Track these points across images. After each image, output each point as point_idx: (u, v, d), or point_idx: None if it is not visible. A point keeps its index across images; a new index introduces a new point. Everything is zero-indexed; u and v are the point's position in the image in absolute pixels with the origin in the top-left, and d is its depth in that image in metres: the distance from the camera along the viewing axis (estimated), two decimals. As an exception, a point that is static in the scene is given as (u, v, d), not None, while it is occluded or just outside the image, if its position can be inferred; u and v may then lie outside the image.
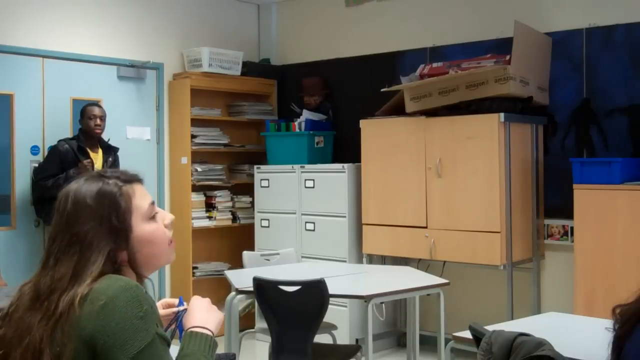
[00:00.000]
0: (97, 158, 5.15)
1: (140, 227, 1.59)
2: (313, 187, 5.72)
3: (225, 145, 6.33)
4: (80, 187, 1.59)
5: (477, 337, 2.39)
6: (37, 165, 5.22)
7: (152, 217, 1.63)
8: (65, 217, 1.56)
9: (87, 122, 5.15)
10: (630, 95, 4.74)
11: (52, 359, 1.46)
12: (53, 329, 1.47)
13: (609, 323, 1.82)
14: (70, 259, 1.52)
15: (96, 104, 5.33)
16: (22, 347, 1.48)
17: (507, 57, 4.81)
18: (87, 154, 5.07)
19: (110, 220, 1.55)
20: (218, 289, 6.12)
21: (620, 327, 1.75)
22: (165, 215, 1.67)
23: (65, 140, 5.14)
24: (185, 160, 6.01)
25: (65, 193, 1.59)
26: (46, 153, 5.26)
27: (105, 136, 5.28)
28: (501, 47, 5.11)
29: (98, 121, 5.16)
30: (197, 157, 6.15)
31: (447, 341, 3.03)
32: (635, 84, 4.72)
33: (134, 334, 1.45)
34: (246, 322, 5.35)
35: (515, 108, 4.86)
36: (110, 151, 5.26)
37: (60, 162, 5.00)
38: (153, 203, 1.65)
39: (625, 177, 4.46)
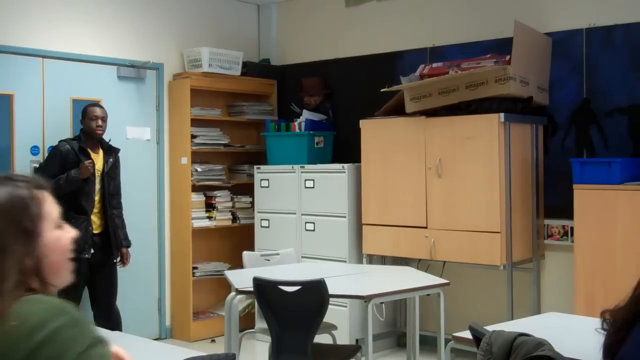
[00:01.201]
0: (98, 159, 5.15)
1: (49, 233, 1.52)
2: (313, 187, 5.72)
3: (225, 145, 6.33)
4: None
5: (477, 337, 2.39)
6: (37, 165, 5.22)
7: (59, 227, 1.57)
8: None
9: (89, 122, 5.14)
10: (630, 95, 4.74)
11: None
12: None
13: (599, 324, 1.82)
14: None
15: (97, 104, 5.32)
16: None
17: (507, 57, 4.81)
18: (88, 155, 5.06)
19: (22, 222, 1.47)
20: (218, 289, 6.14)
21: (613, 334, 1.74)
22: (70, 229, 1.60)
23: (66, 140, 5.13)
24: (185, 160, 6.01)
25: None
26: (47, 153, 5.25)
27: (105, 137, 5.28)
28: (501, 47, 5.11)
29: (100, 122, 5.15)
30: (197, 157, 6.15)
31: (447, 341, 3.03)
32: (635, 84, 4.73)
33: (72, 341, 1.39)
34: (246, 322, 5.35)
35: (515, 108, 4.86)
36: (111, 152, 5.25)
37: (61, 162, 4.99)
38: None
39: (625, 177, 4.46)
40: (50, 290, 1.51)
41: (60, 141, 5.12)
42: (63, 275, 1.54)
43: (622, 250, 4.33)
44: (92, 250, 4.96)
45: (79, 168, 4.93)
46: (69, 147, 5.02)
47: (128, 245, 5.24)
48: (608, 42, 4.83)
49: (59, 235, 1.54)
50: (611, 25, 4.81)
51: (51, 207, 1.55)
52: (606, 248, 4.40)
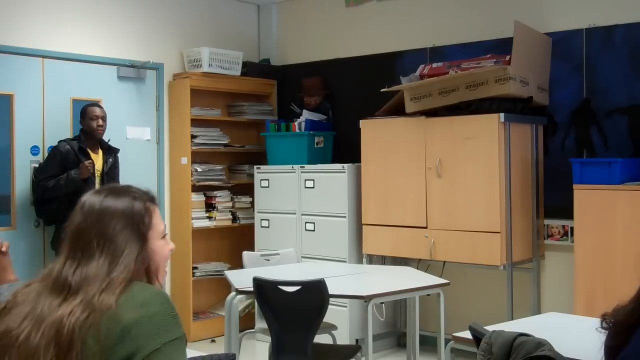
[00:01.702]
0: (98, 159, 5.15)
1: (155, 241, 1.77)
2: (313, 187, 5.72)
3: (225, 145, 6.33)
4: (108, 195, 1.76)
5: (477, 337, 2.39)
6: (37, 165, 5.22)
7: (163, 237, 1.82)
8: (96, 217, 1.71)
9: (89, 122, 5.14)
10: (630, 95, 4.74)
11: (81, 349, 1.54)
12: (85, 321, 1.56)
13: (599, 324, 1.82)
14: (102, 258, 1.66)
15: (97, 104, 5.32)
16: (48, 338, 1.56)
17: (507, 57, 4.81)
18: (87, 155, 5.06)
19: (139, 228, 1.73)
20: (218, 289, 6.13)
21: (616, 336, 1.74)
22: (169, 242, 1.85)
23: (66, 140, 5.13)
24: (185, 160, 6.01)
25: (92, 198, 1.75)
26: (47, 153, 5.25)
27: (105, 137, 5.28)
28: (501, 47, 5.11)
29: (100, 122, 5.15)
30: (197, 157, 6.15)
31: (447, 341, 3.03)
32: (635, 84, 4.72)
33: (168, 327, 1.59)
34: (246, 322, 5.35)
35: (515, 108, 4.86)
36: (110, 152, 5.25)
37: (61, 162, 5.00)
38: (165, 227, 1.87)
39: (625, 177, 4.46)
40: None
41: (60, 141, 5.13)
42: (161, 277, 1.80)
43: (622, 250, 4.33)
44: None
45: (79, 168, 4.93)
46: (69, 147, 5.03)
47: None
48: (608, 42, 4.83)
49: (162, 244, 1.80)
50: (611, 25, 4.81)
51: (158, 220, 1.81)
52: (606, 248, 4.40)
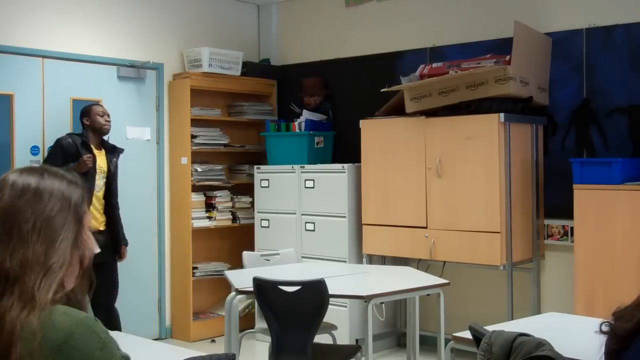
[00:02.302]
0: (100, 156, 5.13)
1: (87, 230, 1.60)
2: (313, 187, 5.72)
3: (225, 145, 6.33)
4: (45, 175, 1.57)
5: (477, 337, 2.39)
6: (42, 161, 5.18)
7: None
8: (32, 197, 1.51)
9: (97, 119, 5.10)
10: (630, 95, 4.74)
11: (20, 354, 1.39)
12: (25, 320, 1.40)
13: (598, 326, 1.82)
14: (39, 242, 1.48)
15: (98, 103, 5.33)
16: None
17: (507, 57, 4.81)
18: (90, 150, 5.06)
19: (77, 210, 1.56)
20: (218, 289, 6.13)
21: (617, 341, 1.74)
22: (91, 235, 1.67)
23: (70, 135, 5.11)
24: (185, 160, 6.01)
25: (25, 178, 1.55)
26: (47, 153, 5.24)
27: (105, 137, 5.27)
28: (501, 47, 5.11)
29: (107, 118, 5.15)
30: (197, 157, 6.15)
31: (447, 341, 3.03)
32: (635, 84, 4.72)
33: None
34: (246, 322, 5.35)
35: (515, 108, 4.86)
36: (115, 152, 5.24)
37: (63, 156, 4.97)
38: None
39: (625, 177, 4.46)
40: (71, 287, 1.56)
41: (64, 135, 5.10)
42: (70, 279, 1.57)
43: (622, 250, 4.33)
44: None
45: (78, 162, 4.93)
46: (71, 141, 5.01)
47: (126, 243, 5.25)
48: (608, 42, 4.83)
49: (89, 235, 1.62)
50: (611, 25, 4.81)
51: (87, 209, 1.63)
52: (606, 248, 4.40)
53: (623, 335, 1.71)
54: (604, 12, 4.85)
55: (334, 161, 6.05)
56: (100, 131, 5.13)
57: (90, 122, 5.13)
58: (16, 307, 1.40)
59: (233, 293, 3.83)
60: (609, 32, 4.82)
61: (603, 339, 1.82)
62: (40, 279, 1.45)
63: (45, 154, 5.25)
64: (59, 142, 5.05)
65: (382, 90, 5.38)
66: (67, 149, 4.97)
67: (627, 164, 4.54)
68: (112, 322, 4.98)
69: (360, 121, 5.47)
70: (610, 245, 4.39)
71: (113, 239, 5.10)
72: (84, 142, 5.03)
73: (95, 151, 5.09)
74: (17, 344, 1.38)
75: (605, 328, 1.82)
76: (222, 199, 6.23)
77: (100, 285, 5.31)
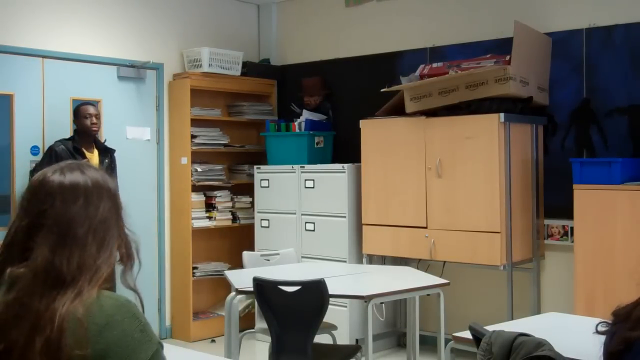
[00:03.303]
0: (93, 159, 5.14)
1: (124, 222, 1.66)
2: (313, 187, 5.72)
3: (225, 145, 6.33)
4: (86, 170, 1.61)
5: (477, 338, 2.39)
6: (34, 166, 5.20)
7: None
8: (84, 198, 1.56)
9: (83, 121, 5.14)
10: (630, 95, 4.74)
11: (69, 344, 1.44)
12: (71, 311, 1.46)
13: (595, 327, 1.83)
14: (94, 243, 1.54)
15: (90, 102, 5.32)
16: (45, 332, 1.44)
17: (507, 57, 4.81)
18: (82, 155, 5.05)
19: (118, 204, 1.62)
20: (218, 289, 6.13)
21: (617, 342, 1.74)
22: None
23: (61, 141, 5.12)
24: (185, 160, 6.01)
25: (73, 176, 1.59)
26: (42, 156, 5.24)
27: (102, 137, 5.27)
28: (501, 47, 5.11)
29: (94, 119, 5.15)
30: (197, 157, 6.15)
31: (447, 341, 3.03)
32: (635, 84, 4.72)
33: (139, 346, 1.49)
34: (246, 322, 5.35)
35: (515, 108, 4.86)
36: (107, 153, 5.25)
37: (56, 162, 4.97)
38: None
39: (625, 177, 4.46)
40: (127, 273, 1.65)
41: (55, 142, 5.12)
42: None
43: (622, 250, 4.33)
44: None
45: None
46: (64, 147, 5.02)
47: None
48: (608, 42, 4.83)
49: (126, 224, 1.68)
50: (611, 25, 4.81)
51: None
52: (606, 248, 4.40)
53: (622, 338, 1.71)
54: (604, 12, 4.85)
55: (334, 161, 6.05)
56: (87, 133, 5.13)
57: (77, 124, 5.16)
58: (66, 304, 1.46)
59: (233, 293, 3.83)
60: (609, 32, 4.82)
61: (602, 339, 1.82)
62: (91, 277, 1.51)
63: (37, 162, 5.17)
64: (51, 149, 5.07)
65: (382, 90, 5.38)
66: (60, 156, 4.96)
67: (627, 164, 4.54)
68: None
69: (360, 121, 5.47)
70: (610, 245, 4.38)
71: None
72: (75, 147, 5.03)
73: (87, 154, 5.09)
74: (66, 334, 1.43)
75: (601, 328, 1.82)
76: (222, 199, 6.23)
77: None
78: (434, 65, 5.31)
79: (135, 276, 1.67)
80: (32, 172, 5.17)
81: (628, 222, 4.31)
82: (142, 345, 1.49)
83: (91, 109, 5.19)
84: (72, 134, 5.24)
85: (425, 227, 5.08)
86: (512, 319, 4.71)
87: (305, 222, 5.75)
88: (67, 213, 1.54)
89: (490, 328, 2.43)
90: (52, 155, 5.01)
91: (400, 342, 5.72)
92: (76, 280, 1.49)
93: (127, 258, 1.64)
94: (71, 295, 1.48)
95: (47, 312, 1.45)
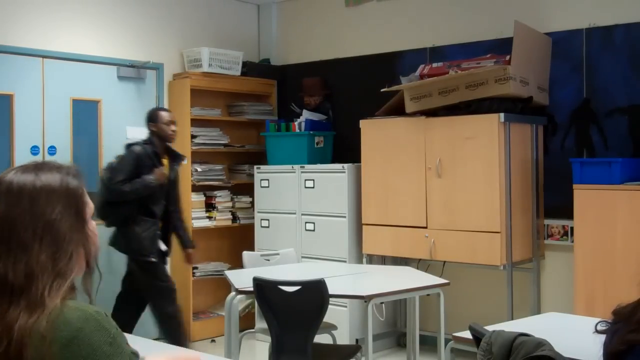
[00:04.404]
0: (165, 164, 5.08)
1: (91, 222, 1.57)
2: (313, 187, 5.72)
3: (225, 145, 6.33)
4: (38, 172, 1.51)
5: (477, 338, 2.39)
6: (110, 164, 5.04)
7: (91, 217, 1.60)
8: (29, 199, 1.46)
9: (164, 127, 5.04)
10: (630, 95, 4.74)
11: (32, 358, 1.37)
12: (34, 324, 1.38)
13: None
14: (43, 248, 1.44)
15: (166, 109, 5.32)
16: (1, 347, 1.37)
17: (507, 57, 4.81)
18: (160, 160, 5.00)
19: (77, 206, 1.51)
20: (218, 289, 6.13)
21: (618, 345, 1.74)
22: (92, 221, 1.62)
23: (142, 143, 5.00)
24: (185, 160, 5.99)
25: (18, 177, 1.50)
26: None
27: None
28: (501, 47, 5.11)
29: (173, 127, 5.09)
30: (197, 157, 6.15)
31: (447, 341, 3.03)
32: (635, 84, 4.72)
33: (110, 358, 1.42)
34: (246, 322, 5.35)
35: (515, 108, 4.86)
36: (177, 159, 5.16)
37: (136, 165, 4.88)
38: None
39: (625, 177, 4.46)
40: (91, 275, 1.55)
41: (134, 144, 5.00)
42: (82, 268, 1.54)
43: (622, 250, 4.33)
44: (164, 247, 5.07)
45: (155, 173, 4.88)
46: (144, 150, 4.95)
47: (192, 246, 5.32)
48: (608, 42, 4.83)
49: (94, 224, 1.57)
50: (611, 25, 4.81)
51: (88, 198, 1.57)
52: (606, 248, 4.40)
53: (623, 339, 1.71)
54: (604, 12, 4.85)
55: (333, 161, 6.05)
56: (165, 140, 5.07)
57: (157, 129, 5.06)
58: (24, 316, 1.38)
59: (233, 293, 3.83)
60: (609, 32, 4.82)
61: (602, 338, 1.82)
62: (50, 285, 1.42)
63: (118, 157, 5.03)
64: (132, 150, 4.95)
65: (382, 90, 5.38)
66: (141, 159, 4.91)
67: (627, 164, 4.54)
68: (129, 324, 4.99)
69: (360, 121, 5.47)
70: (611, 245, 4.38)
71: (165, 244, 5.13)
72: (154, 152, 4.98)
73: (163, 160, 5.06)
74: (28, 349, 1.36)
75: (601, 327, 1.82)
76: (222, 198, 6.23)
77: (140, 288, 5.18)
78: (434, 65, 5.31)
79: (98, 283, 1.57)
80: (108, 170, 4.98)
81: (628, 222, 4.31)
82: (113, 359, 1.42)
83: (171, 116, 5.13)
84: (147, 138, 5.07)
85: (425, 227, 5.08)
86: (512, 318, 4.71)
87: (305, 222, 5.75)
88: (8, 215, 1.45)
89: (490, 328, 2.43)
90: (132, 158, 4.90)
91: (400, 342, 5.72)
92: (27, 288, 1.40)
93: (86, 264, 1.54)
94: (25, 306, 1.39)
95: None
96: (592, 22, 4.89)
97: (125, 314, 5.03)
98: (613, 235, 4.37)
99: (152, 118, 5.09)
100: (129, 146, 5.01)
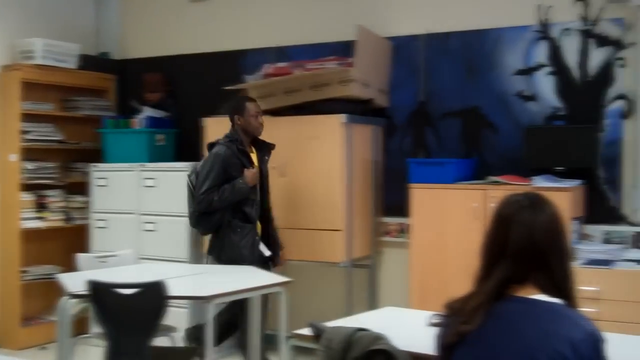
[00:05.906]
0: (253, 158, 4.58)
1: None
2: (154, 186, 5.56)
3: (59, 142, 6.00)
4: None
5: (318, 334, 2.40)
6: (194, 170, 4.57)
7: None
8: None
9: (251, 120, 4.49)
10: (463, 99, 4.99)
11: None
12: None
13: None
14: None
15: (252, 98, 4.72)
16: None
17: (350, 60, 4.91)
18: (249, 157, 4.49)
19: None
20: (50, 294, 5.77)
21: (451, 337, 1.79)
22: None
23: (222, 143, 4.47)
24: (14, 157, 5.64)
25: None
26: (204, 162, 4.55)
27: None
28: (345, 50, 5.21)
29: (260, 119, 4.56)
30: (29, 154, 5.79)
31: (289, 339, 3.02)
32: (468, 89, 4.98)
33: None
34: (82, 327, 5.10)
35: (356, 110, 4.96)
36: (266, 149, 4.64)
37: (224, 171, 4.38)
38: None
39: (458, 177, 4.69)
40: None
41: (217, 145, 4.49)
42: None
43: (454, 246, 4.54)
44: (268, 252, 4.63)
45: (245, 176, 4.40)
46: (230, 151, 4.44)
47: (283, 247, 4.85)
48: (444, 48, 5.05)
49: None
50: (447, 32, 5.04)
51: None
52: (440, 244, 4.60)
53: (461, 333, 1.76)
54: (441, 19, 5.07)
55: (177, 159, 5.90)
56: (254, 133, 4.56)
57: (242, 122, 4.52)
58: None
59: (66, 297, 3.63)
60: (445, 39, 5.05)
61: (436, 331, 1.87)
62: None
63: (196, 170, 4.56)
64: (217, 153, 4.43)
65: (225, 88, 5.32)
66: (228, 162, 4.40)
67: (459, 164, 4.78)
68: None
69: (204, 119, 5.37)
70: (444, 241, 4.59)
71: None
72: (240, 150, 4.46)
73: (252, 155, 4.57)
74: None
75: (434, 320, 1.88)
76: (55, 198, 5.91)
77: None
78: (279, 65, 5.33)
79: None
80: (198, 180, 4.47)
81: (460, 219, 4.53)
82: None
83: (258, 107, 4.58)
84: (231, 133, 4.56)
85: (269, 227, 5.06)
86: (352, 314, 4.79)
87: (145, 222, 5.58)
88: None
89: (330, 324, 2.44)
90: (219, 163, 4.40)
91: (242, 342, 5.65)
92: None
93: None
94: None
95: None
96: (429, 28, 5.10)
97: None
98: (446, 232, 4.58)
99: (238, 109, 4.55)
100: (211, 147, 4.54)
